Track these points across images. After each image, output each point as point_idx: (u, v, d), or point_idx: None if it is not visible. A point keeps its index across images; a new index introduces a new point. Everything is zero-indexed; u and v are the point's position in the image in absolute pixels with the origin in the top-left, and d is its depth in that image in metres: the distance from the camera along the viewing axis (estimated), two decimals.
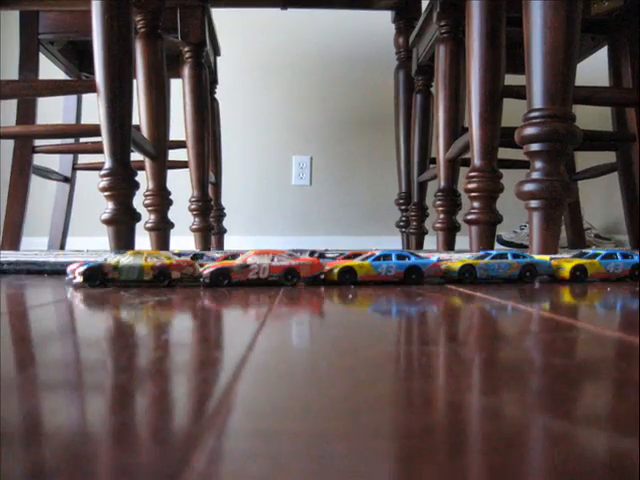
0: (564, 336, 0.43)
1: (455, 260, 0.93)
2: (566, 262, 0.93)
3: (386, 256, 0.88)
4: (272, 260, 0.86)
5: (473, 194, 1.48)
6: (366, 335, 0.44)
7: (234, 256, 0.96)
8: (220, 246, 2.63)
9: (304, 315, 0.57)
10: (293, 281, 0.86)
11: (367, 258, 0.89)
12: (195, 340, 0.43)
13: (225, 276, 0.85)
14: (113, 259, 0.87)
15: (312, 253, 1.00)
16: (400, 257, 0.88)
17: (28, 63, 2.04)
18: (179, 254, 0.99)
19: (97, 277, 0.84)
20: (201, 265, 0.91)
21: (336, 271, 0.87)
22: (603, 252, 0.95)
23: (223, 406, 0.24)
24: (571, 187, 1.19)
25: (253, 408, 0.25)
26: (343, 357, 0.35)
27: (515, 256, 0.92)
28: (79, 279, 0.84)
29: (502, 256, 0.91)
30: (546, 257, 0.97)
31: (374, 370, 0.32)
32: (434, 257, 0.93)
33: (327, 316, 0.57)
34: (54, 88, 1.55)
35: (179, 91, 2.14)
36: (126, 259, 0.86)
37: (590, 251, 0.97)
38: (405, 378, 0.31)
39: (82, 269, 0.84)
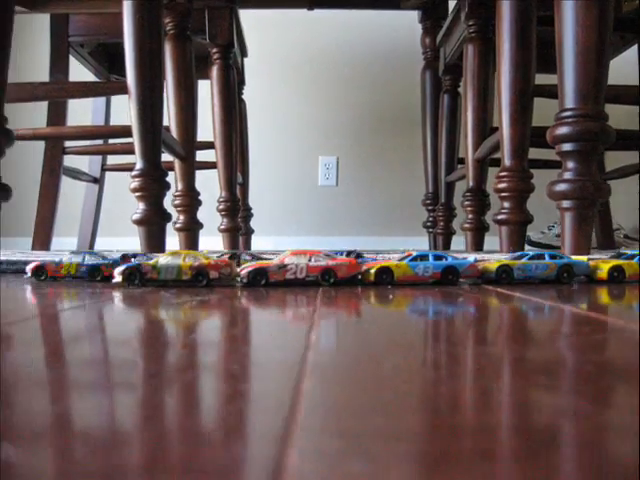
0: (614, 336, 0.43)
1: (492, 261, 0.93)
2: (604, 263, 0.92)
3: (423, 256, 0.88)
4: (309, 260, 0.87)
5: (503, 194, 1.47)
6: (418, 335, 0.45)
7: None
8: (247, 247, 2.64)
9: (351, 314, 0.57)
10: (330, 281, 0.86)
11: (404, 259, 0.89)
12: (253, 341, 0.44)
13: (262, 276, 0.85)
14: (151, 259, 0.88)
15: (349, 253, 1.00)
16: (437, 258, 0.88)
17: (58, 65, 2.06)
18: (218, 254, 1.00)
19: (136, 277, 0.85)
20: (238, 265, 0.91)
21: (373, 271, 0.87)
22: None
23: (299, 405, 0.25)
24: (603, 187, 1.18)
25: (331, 408, 0.25)
26: (403, 357, 0.36)
27: (552, 257, 0.91)
28: (119, 279, 0.85)
29: (539, 257, 0.91)
30: (583, 258, 0.96)
31: (439, 370, 0.32)
32: (471, 258, 0.92)
33: (372, 316, 0.57)
34: (86, 90, 1.56)
35: (207, 92, 2.15)
36: (164, 259, 0.87)
37: (628, 252, 0.96)
38: (475, 378, 0.31)
39: (121, 269, 0.85)
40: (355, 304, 0.66)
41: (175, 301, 0.68)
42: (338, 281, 0.87)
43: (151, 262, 0.87)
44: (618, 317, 0.55)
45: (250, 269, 0.85)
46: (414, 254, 0.89)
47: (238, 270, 0.87)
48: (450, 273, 0.87)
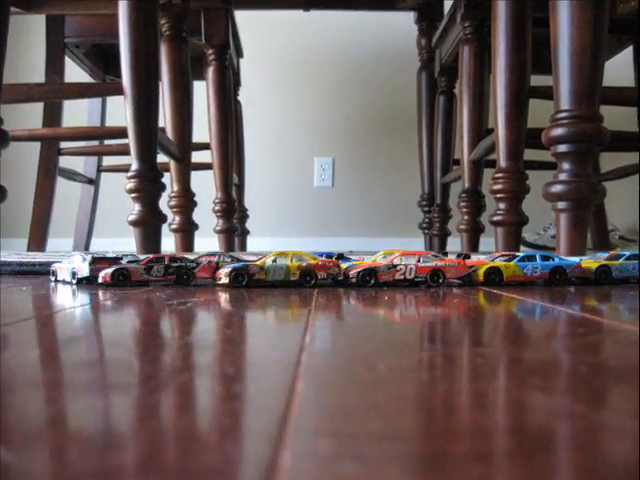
0: None
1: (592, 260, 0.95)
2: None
3: (530, 257, 0.89)
4: (418, 261, 0.89)
5: (499, 195, 1.48)
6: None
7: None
8: (243, 247, 2.64)
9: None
10: (439, 282, 0.88)
11: (512, 259, 0.90)
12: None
13: (372, 276, 0.87)
14: (259, 260, 0.89)
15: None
16: (545, 258, 0.90)
17: (54, 66, 2.06)
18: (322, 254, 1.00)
19: (244, 278, 0.87)
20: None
21: (481, 271, 0.88)
22: None
23: (293, 405, 0.25)
24: (598, 188, 1.18)
25: (325, 408, 0.25)
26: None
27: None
28: (225, 280, 0.86)
29: (636, 256, 0.93)
30: None
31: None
32: (576, 258, 0.95)
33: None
34: (81, 91, 1.56)
35: (202, 93, 2.15)
36: (271, 260, 0.89)
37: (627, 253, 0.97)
38: (470, 378, 0.31)
39: (228, 270, 0.87)
40: (471, 304, 0.66)
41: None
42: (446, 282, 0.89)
43: (258, 263, 0.88)
44: None
45: (360, 269, 0.87)
46: (521, 255, 0.91)
47: (346, 270, 0.89)
48: (558, 273, 0.89)
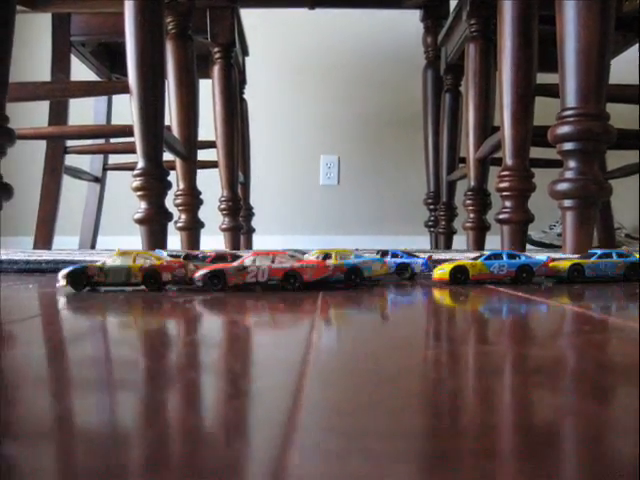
0: None
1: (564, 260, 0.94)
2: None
3: (497, 255, 0.89)
4: (272, 262, 0.79)
5: (505, 193, 1.47)
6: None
7: (223, 257, 0.89)
8: (249, 245, 2.64)
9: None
10: (295, 285, 0.78)
11: (478, 258, 0.90)
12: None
13: (220, 279, 0.78)
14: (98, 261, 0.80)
15: (383, 253, 0.99)
16: (511, 256, 0.89)
17: (60, 65, 2.06)
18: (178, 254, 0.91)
19: (82, 281, 0.78)
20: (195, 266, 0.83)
21: (447, 271, 0.87)
22: None
23: (301, 406, 0.25)
24: (604, 186, 1.18)
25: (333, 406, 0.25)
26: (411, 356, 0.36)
27: (620, 255, 0.93)
28: (62, 282, 0.78)
29: (608, 255, 0.92)
30: None
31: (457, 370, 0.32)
32: (544, 255, 0.94)
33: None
34: (87, 89, 1.56)
35: (208, 91, 2.15)
36: (113, 260, 0.80)
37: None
38: (476, 375, 0.31)
39: (64, 272, 0.78)
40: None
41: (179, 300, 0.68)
42: (305, 285, 0.79)
43: (98, 264, 0.79)
44: None
45: (206, 271, 0.78)
46: (487, 253, 0.91)
47: (193, 272, 0.80)
48: (524, 271, 0.89)
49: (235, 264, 0.78)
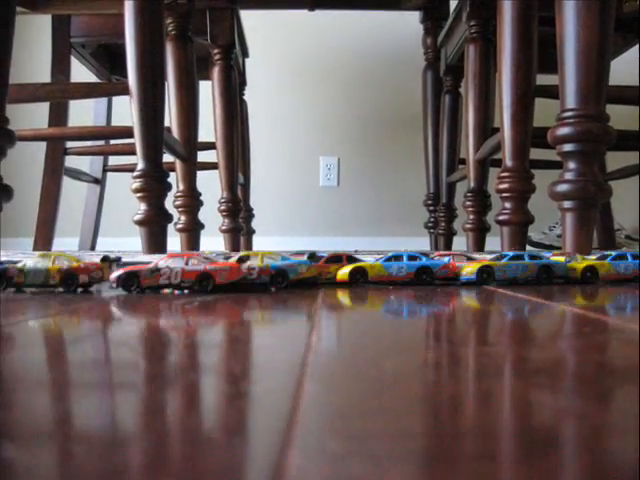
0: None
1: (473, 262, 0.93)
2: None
3: (397, 257, 0.88)
4: (186, 264, 0.79)
5: (505, 195, 1.47)
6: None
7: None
8: (249, 247, 2.64)
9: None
10: (208, 287, 0.79)
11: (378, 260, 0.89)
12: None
13: (133, 281, 0.78)
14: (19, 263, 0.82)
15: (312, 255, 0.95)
16: (411, 258, 0.88)
17: (60, 66, 2.06)
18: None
19: (1, 281, 0.79)
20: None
21: (347, 272, 0.87)
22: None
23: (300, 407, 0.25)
24: (604, 187, 1.18)
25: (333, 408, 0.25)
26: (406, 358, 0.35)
27: (532, 257, 0.92)
28: None
29: (519, 257, 0.91)
30: (561, 258, 0.95)
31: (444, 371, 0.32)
32: (445, 258, 0.93)
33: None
34: (87, 91, 1.56)
35: (208, 93, 2.15)
36: (32, 261, 0.81)
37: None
38: (474, 378, 0.31)
39: None
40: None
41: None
42: (217, 287, 0.79)
43: (18, 265, 0.81)
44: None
45: (120, 273, 0.79)
46: (388, 255, 0.90)
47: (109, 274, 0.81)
48: (424, 273, 0.88)
49: (150, 266, 0.79)
